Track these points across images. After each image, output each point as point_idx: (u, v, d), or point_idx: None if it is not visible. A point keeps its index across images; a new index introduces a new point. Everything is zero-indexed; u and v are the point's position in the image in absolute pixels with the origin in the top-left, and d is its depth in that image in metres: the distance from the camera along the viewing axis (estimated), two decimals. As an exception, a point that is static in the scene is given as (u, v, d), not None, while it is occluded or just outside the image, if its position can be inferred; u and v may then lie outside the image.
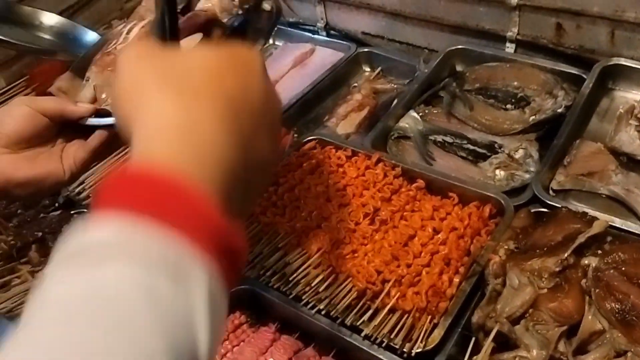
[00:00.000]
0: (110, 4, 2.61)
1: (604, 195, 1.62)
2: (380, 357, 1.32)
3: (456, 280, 1.42)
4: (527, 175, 1.69)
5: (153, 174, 0.48)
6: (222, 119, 0.54)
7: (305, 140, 1.85)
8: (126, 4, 2.61)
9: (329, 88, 2.22)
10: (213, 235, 0.47)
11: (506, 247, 1.43)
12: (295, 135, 1.91)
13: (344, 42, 2.35)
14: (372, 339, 1.34)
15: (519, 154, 1.76)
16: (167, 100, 0.54)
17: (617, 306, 1.24)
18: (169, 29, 0.70)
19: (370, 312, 1.38)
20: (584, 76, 1.89)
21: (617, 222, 1.48)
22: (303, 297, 1.43)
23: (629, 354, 1.19)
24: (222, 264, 0.48)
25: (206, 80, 0.56)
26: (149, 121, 0.53)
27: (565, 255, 1.32)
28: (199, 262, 0.46)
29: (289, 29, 2.49)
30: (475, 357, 1.28)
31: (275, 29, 1.05)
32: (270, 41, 2.51)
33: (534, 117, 1.84)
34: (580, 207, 1.52)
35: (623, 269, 1.30)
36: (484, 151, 1.80)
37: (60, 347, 0.40)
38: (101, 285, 0.43)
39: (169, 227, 0.46)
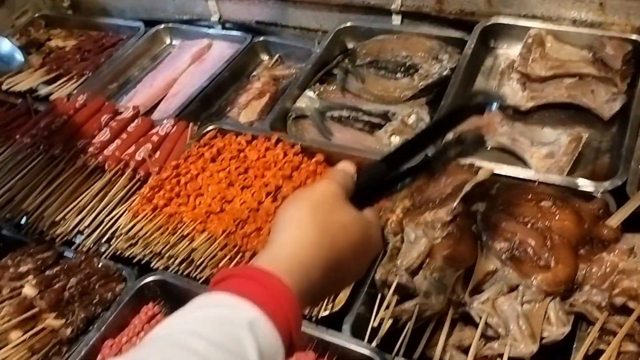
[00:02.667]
0: (0, 22, 2.56)
1: (489, 147, 1.69)
2: (291, 324, 1.35)
3: (358, 243, 1.46)
4: (421, 138, 1.75)
5: (271, 277, 0.75)
6: (325, 266, 0.81)
7: (205, 131, 1.86)
8: (16, 20, 2.57)
9: (229, 80, 2.24)
10: (291, 325, 0.73)
11: (402, 205, 1.49)
12: (195, 127, 1.92)
13: (240, 34, 2.38)
14: (281, 309, 1.37)
15: (411, 119, 1.82)
16: (302, 236, 0.81)
17: (506, 245, 1.30)
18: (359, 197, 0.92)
19: (278, 284, 1.41)
20: (466, 39, 1.97)
21: (505, 170, 1.55)
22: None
23: (520, 287, 1.26)
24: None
25: (337, 239, 0.84)
26: (285, 241, 0.81)
27: (455, 204, 1.38)
28: (281, 342, 0.71)
29: (184, 26, 2.50)
30: (380, 312, 1.32)
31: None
32: (168, 41, 2.52)
33: (422, 82, 1.91)
34: (471, 161, 1.58)
35: (509, 210, 1.37)
36: (378, 120, 1.86)
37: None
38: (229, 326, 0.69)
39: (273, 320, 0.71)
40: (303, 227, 0.82)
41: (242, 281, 0.74)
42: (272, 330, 0.71)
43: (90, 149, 1.87)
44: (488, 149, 1.70)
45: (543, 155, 1.61)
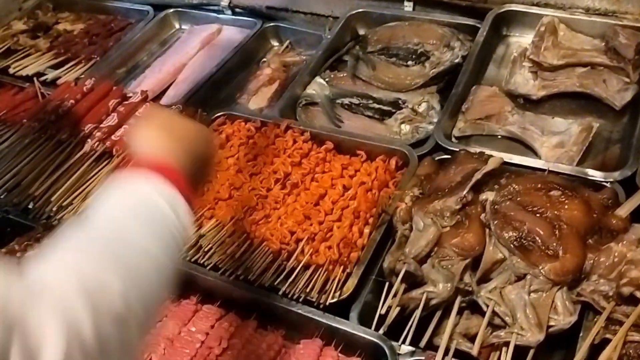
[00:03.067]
0: (7, 5, 2.55)
1: (499, 136, 1.69)
2: (299, 311, 1.36)
3: (366, 230, 1.47)
4: (430, 127, 1.75)
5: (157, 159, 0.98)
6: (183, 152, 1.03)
7: (214, 117, 1.86)
8: (24, 3, 2.57)
9: (239, 66, 2.23)
10: (182, 188, 0.95)
11: (411, 194, 1.49)
12: (204, 113, 1.92)
13: (250, 19, 2.37)
14: (289, 296, 1.38)
15: (422, 107, 1.81)
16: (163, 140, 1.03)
17: (514, 234, 1.30)
18: None
19: (286, 271, 1.42)
20: (479, 26, 1.96)
21: (515, 159, 1.55)
22: (220, 266, 1.46)
23: (528, 276, 1.25)
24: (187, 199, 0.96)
25: (181, 133, 1.07)
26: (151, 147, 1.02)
27: (464, 193, 1.38)
28: (179, 196, 0.94)
29: (194, 11, 2.49)
30: (388, 300, 1.33)
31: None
32: (177, 25, 2.51)
33: (433, 70, 1.90)
34: (481, 150, 1.58)
35: (518, 199, 1.37)
36: (389, 108, 1.85)
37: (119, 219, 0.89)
38: (140, 194, 0.92)
39: (168, 182, 0.94)
40: (156, 138, 1.04)
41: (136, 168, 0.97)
42: (169, 187, 0.93)
43: (98, 134, 1.87)
44: (499, 137, 1.69)
45: (553, 145, 1.60)
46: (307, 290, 1.38)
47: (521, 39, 1.98)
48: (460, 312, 1.31)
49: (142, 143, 1.03)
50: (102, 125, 1.91)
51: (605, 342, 1.17)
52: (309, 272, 1.41)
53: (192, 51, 2.31)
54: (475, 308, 1.30)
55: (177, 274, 0.92)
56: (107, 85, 2.09)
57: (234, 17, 2.43)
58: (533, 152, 1.63)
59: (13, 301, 0.66)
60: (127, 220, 0.88)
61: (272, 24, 2.33)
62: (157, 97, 2.16)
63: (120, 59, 2.35)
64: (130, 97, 2.04)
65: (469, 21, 2.01)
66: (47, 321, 0.67)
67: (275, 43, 2.34)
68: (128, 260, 0.82)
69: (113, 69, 2.32)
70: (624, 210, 1.32)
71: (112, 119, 1.92)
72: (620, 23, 1.80)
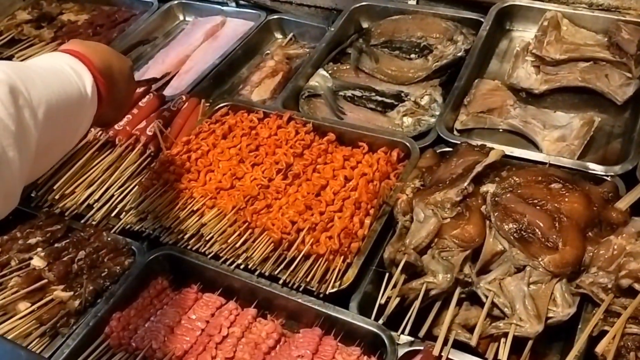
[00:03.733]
0: (12, -5, 2.57)
1: (501, 130, 1.69)
2: (298, 300, 1.37)
3: (367, 221, 1.47)
4: (432, 120, 1.75)
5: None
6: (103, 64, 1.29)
7: (216, 107, 1.87)
8: (28, -6, 2.58)
9: (242, 58, 2.24)
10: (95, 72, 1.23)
11: (412, 185, 1.49)
12: (207, 104, 1.93)
13: (254, 11, 2.37)
14: (289, 285, 1.38)
15: (424, 100, 1.81)
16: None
17: (514, 226, 1.30)
18: None
19: (286, 260, 1.42)
20: (482, 20, 1.96)
21: (516, 152, 1.55)
22: (221, 255, 1.46)
23: (528, 267, 1.26)
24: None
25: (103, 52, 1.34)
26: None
27: (465, 184, 1.38)
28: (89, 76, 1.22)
29: (198, 3, 2.49)
30: (387, 290, 1.33)
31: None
32: (181, 17, 2.52)
33: (436, 63, 1.90)
34: (482, 143, 1.58)
35: (519, 191, 1.37)
36: (391, 101, 1.86)
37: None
38: (54, 62, 1.19)
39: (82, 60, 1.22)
40: (80, 43, 1.31)
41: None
42: (74, 59, 1.21)
43: (102, 123, 1.88)
44: (500, 131, 1.70)
45: (555, 139, 1.61)
46: (308, 279, 1.39)
47: (524, 34, 1.98)
48: (459, 303, 1.31)
49: (74, 46, 1.27)
50: (105, 115, 1.91)
51: (603, 334, 1.18)
52: (309, 262, 1.42)
53: (196, 43, 2.31)
54: (474, 299, 1.31)
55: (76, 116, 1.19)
56: (111, 76, 2.09)
57: (238, 9, 2.43)
58: (534, 146, 1.64)
59: None
60: (37, 68, 1.12)
61: (275, 17, 2.33)
62: (161, 88, 2.16)
63: (124, 49, 2.34)
64: (134, 87, 2.04)
65: (473, 15, 2.01)
66: None
67: (278, 35, 2.35)
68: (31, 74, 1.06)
69: None
70: (623, 204, 1.32)
71: (116, 109, 1.92)
72: (623, 18, 1.80)
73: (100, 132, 1.85)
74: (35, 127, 1.01)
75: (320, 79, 1.95)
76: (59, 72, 1.16)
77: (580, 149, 1.56)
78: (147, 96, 1.98)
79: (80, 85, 1.17)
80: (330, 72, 1.98)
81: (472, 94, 1.76)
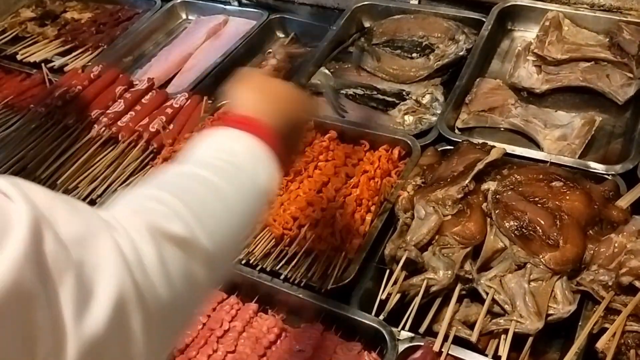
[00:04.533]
0: (16, -6, 2.58)
1: (502, 129, 1.70)
2: (300, 295, 1.37)
3: (368, 218, 1.48)
4: (434, 118, 1.76)
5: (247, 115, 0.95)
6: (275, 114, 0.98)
7: (219, 104, 1.87)
8: (31, -8, 2.59)
9: (244, 56, 2.24)
10: (273, 145, 0.92)
11: (414, 183, 1.50)
12: (210, 101, 1.93)
13: (256, 10, 2.38)
14: (291, 280, 1.39)
15: (426, 99, 1.82)
16: (256, 97, 1.01)
17: (515, 223, 1.31)
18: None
19: (288, 256, 1.43)
20: (484, 19, 1.96)
21: (517, 150, 1.56)
22: (223, 250, 1.46)
23: (528, 265, 1.27)
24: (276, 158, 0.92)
25: (274, 95, 1.04)
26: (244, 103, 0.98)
27: (466, 182, 1.39)
28: (269, 154, 0.91)
29: (200, 2, 2.50)
30: (388, 286, 1.34)
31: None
32: (184, 16, 2.53)
33: (438, 62, 1.91)
34: (484, 141, 1.58)
35: (520, 189, 1.38)
36: (393, 99, 1.86)
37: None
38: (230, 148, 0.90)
39: (257, 138, 0.91)
40: (250, 95, 1.01)
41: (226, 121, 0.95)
42: (253, 139, 0.91)
43: (104, 120, 1.89)
44: (501, 130, 1.70)
45: (556, 138, 1.61)
46: (309, 275, 1.39)
47: (526, 34, 1.99)
48: (460, 300, 1.32)
49: (235, 102, 1.00)
50: (108, 111, 1.93)
51: (603, 332, 1.18)
52: (310, 258, 1.43)
53: (198, 41, 2.32)
54: (475, 296, 1.31)
55: (252, 224, 0.90)
56: (114, 73, 2.10)
57: (240, 8, 2.44)
58: (536, 145, 1.64)
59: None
60: (206, 166, 0.85)
61: (278, 16, 2.34)
62: (163, 86, 2.17)
63: (127, 47, 2.36)
64: (137, 84, 2.05)
65: (474, 15, 2.02)
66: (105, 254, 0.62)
67: (280, 34, 2.36)
68: (200, 197, 0.80)
69: (120, 58, 2.33)
70: (624, 202, 1.33)
71: (119, 105, 1.94)
72: (625, 19, 1.81)
73: (103, 129, 1.86)
74: (208, 284, 0.78)
75: (322, 78, 1.96)
76: (247, 186, 0.88)
77: (581, 148, 1.57)
78: (150, 93, 1.98)
79: (267, 187, 0.91)
80: (332, 70, 1.99)
81: (473, 93, 1.76)
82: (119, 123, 1.87)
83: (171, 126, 1.84)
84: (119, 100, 1.96)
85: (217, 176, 0.83)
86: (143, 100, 1.94)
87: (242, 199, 0.86)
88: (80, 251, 0.59)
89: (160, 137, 1.80)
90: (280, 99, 1.04)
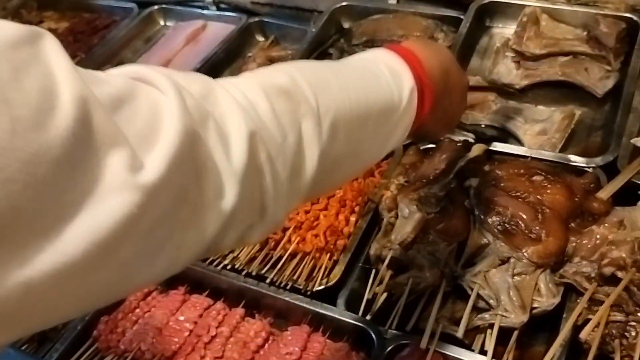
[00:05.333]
0: (-8, 4, 2.56)
1: (483, 125, 1.70)
2: (286, 299, 1.37)
3: (352, 219, 1.48)
4: (415, 116, 1.76)
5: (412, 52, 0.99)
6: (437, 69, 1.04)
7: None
8: (8, 2, 2.57)
9: (224, 61, 2.24)
10: (422, 75, 0.98)
11: (397, 182, 1.50)
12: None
13: (235, 14, 2.38)
14: (276, 284, 1.39)
15: (406, 98, 1.82)
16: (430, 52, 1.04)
17: (497, 219, 1.32)
18: None
19: (273, 260, 1.43)
20: (462, 17, 1.97)
21: (498, 146, 1.56)
22: (208, 256, 1.46)
23: (512, 259, 1.27)
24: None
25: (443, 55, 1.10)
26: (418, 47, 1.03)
27: (448, 179, 1.40)
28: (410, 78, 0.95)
29: (178, 7, 2.50)
30: (375, 286, 1.34)
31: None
32: (162, 22, 2.52)
33: (417, 61, 1.91)
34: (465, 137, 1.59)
35: (501, 184, 1.39)
36: (373, 99, 1.86)
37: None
38: (368, 59, 0.97)
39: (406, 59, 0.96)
40: (428, 46, 1.07)
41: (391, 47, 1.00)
42: (396, 58, 0.96)
43: (86, 129, 1.87)
44: (482, 126, 1.71)
45: (536, 132, 1.62)
46: (295, 278, 1.39)
47: (504, 30, 1.99)
48: (445, 297, 1.32)
49: (412, 41, 1.07)
50: (88, 120, 1.91)
51: (587, 323, 1.19)
52: (295, 260, 1.42)
53: (177, 47, 2.31)
54: (460, 292, 1.32)
55: (368, 128, 0.90)
56: (93, 81, 2.09)
57: (218, 12, 2.43)
58: (517, 141, 1.65)
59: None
60: (340, 67, 0.94)
61: (256, 19, 2.34)
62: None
63: (105, 56, 2.34)
64: (116, 92, 2.04)
65: (452, 13, 2.02)
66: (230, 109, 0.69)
67: (260, 38, 2.35)
68: (316, 70, 0.87)
69: (98, 66, 2.24)
70: (605, 193, 1.34)
71: (99, 114, 1.92)
72: (602, 12, 1.81)
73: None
74: (318, 138, 0.79)
75: (303, 80, 1.96)
76: (368, 72, 0.92)
77: (562, 142, 1.58)
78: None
79: (394, 89, 0.92)
80: (312, 72, 1.98)
81: (453, 91, 1.77)
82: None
83: (152, 133, 1.83)
84: (100, 109, 1.95)
85: (345, 66, 0.91)
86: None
87: (362, 93, 0.87)
88: (208, 103, 0.66)
89: (142, 144, 1.79)
90: (449, 67, 1.09)
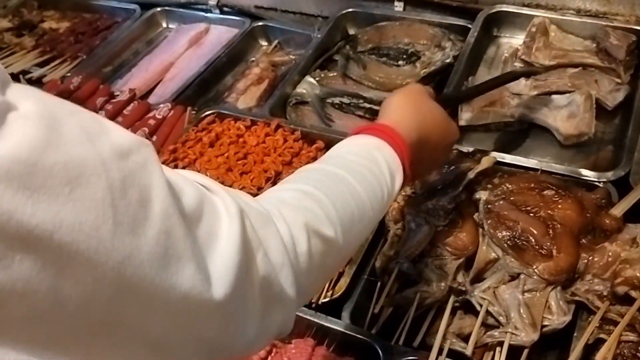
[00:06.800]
0: (-9, 4, 2.53)
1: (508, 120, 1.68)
2: (290, 311, 1.34)
3: (358, 230, 1.45)
4: (422, 126, 1.73)
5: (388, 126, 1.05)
6: (418, 131, 1.10)
7: (203, 115, 1.84)
8: (8, 1, 2.54)
9: (227, 65, 2.21)
10: (404, 157, 1.02)
11: (404, 193, 1.47)
12: (193, 111, 1.90)
13: (238, 18, 2.35)
14: (280, 296, 1.35)
15: (412, 107, 1.80)
16: (405, 112, 1.12)
17: (507, 233, 1.29)
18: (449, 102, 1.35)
19: (277, 270, 1.40)
20: (470, 26, 1.95)
21: (507, 158, 1.54)
22: (210, 265, 1.43)
23: (522, 275, 1.25)
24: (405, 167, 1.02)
25: (426, 118, 1.14)
26: (388, 117, 1.11)
27: (457, 192, 1.37)
28: (398, 163, 1.01)
29: (181, 10, 2.46)
30: (381, 299, 1.31)
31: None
32: (164, 24, 2.49)
33: (424, 70, 1.89)
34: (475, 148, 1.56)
35: (511, 198, 1.36)
36: (379, 108, 1.83)
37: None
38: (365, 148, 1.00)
39: (392, 147, 1.01)
40: (400, 108, 1.13)
41: (367, 128, 1.06)
42: (392, 152, 1.01)
43: (86, 131, 1.84)
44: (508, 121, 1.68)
45: (566, 117, 1.60)
46: (299, 289, 1.36)
47: (512, 40, 1.97)
48: (453, 312, 1.29)
49: (386, 107, 1.15)
50: (89, 123, 1.87)
51: (599, 342, 1.16)
52: (300, 272, 1.39)
53: (179, 50, 2.28)
54: (468, 308, 1.29)
55: (372, 227, 1.07)
56: (94, 84, 2.06)
57: (222, 16, 2.40)
58: (546, 131, 1.64)
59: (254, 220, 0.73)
60: (349, 161, 0.97)
61: (260, 24, 2.31)
62: (145, 96, 2.13)
63: (106, 57, 2.31)
64: (118, 95, 2.01)
65: (460, 21, 2.00)
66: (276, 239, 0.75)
67: (263, 42, 2.32)
68: (345, 201, 0.91)
69: (99, 68, 2.28)
70: (618, 210, 1.31)
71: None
72: (611, 24, 1.80)
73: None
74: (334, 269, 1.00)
75: (308, 86, 1.94)
76: (375, 183, 0.96)
77: (594, 121, 1.59)
78: (132, 104, 1.95)
79: (391, 190, 0.99)
80: (317, 79, 1.96)
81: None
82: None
83: (154, 138, 1.81)
84: (101, 112, 1.92)
85: (358, 182, 0.93)
86: (125, 112, 1.90)
87: (372, 207, 0.95)
88: (261, 235, 0.72)
89: (143, 148, 1.76)
90: (428, 122, 1.14)
